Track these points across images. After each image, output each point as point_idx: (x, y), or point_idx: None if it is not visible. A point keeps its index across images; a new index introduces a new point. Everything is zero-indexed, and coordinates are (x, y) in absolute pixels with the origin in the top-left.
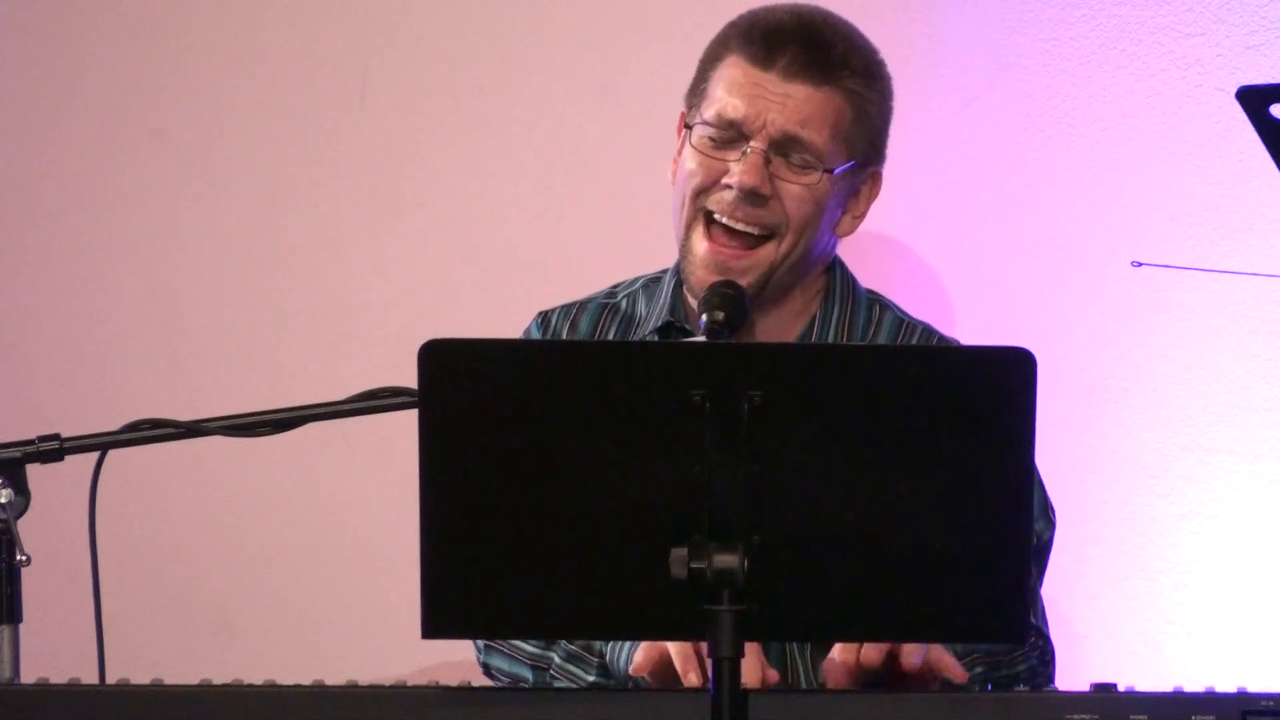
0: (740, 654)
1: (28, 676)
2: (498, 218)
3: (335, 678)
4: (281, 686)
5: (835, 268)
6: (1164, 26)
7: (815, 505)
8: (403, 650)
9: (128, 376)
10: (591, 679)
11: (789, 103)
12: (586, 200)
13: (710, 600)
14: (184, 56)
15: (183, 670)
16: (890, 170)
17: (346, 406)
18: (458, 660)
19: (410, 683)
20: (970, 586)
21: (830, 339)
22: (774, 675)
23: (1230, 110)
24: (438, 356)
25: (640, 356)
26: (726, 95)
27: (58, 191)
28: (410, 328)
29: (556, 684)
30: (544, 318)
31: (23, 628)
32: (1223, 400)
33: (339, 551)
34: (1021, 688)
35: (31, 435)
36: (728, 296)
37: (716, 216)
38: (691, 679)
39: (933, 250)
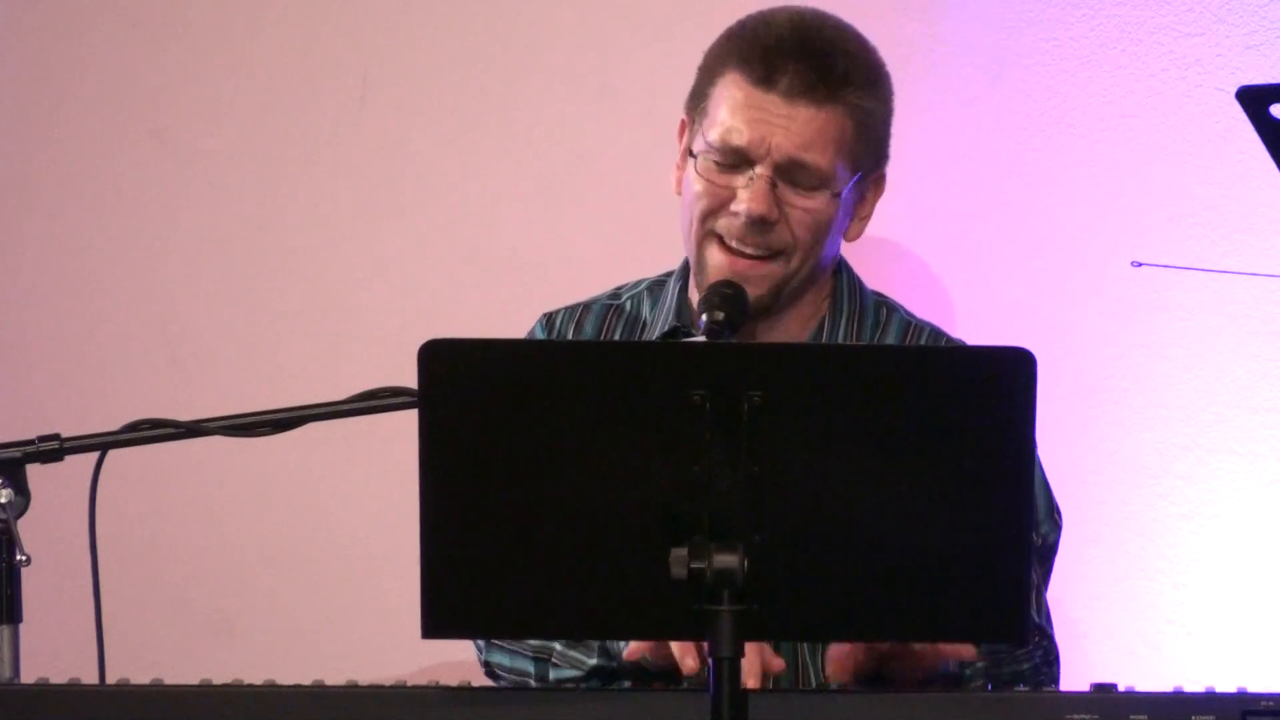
0: (740, 654)
1: (28, 676)
2: (498, 218)
3: (335, 678)
4: (281, 686)
5: (841, 270)
6: (1164, 26)
7: (815, 505)
8: (403, 650)
9: (128, 376)
10: (593, 662)
11: (792, 125)
12: (586, 200)
13: (710, 600)
14: (184, 56)
15: (183, 670)
16: (890, 170)
17: (346, 406)
18: (458, 660)
19: (410, 683)
20: (970, 586)
21: (839, 342)
22: (780, 664)
23: (1230, 110)
24: (438, 356)
25: (640, 356)
26: (729, 119)
27: (58, 191)
28: (410, 328)
29: (558, 670)
30: (548, 319)
31: (23, 628)
32: (1223, 400)
33: (339, 551)
34: (1022, 688)
35: (31, 435)
36: (728, 296)
37: (725, 240)
38: (689, 663)
39: (932, 250)
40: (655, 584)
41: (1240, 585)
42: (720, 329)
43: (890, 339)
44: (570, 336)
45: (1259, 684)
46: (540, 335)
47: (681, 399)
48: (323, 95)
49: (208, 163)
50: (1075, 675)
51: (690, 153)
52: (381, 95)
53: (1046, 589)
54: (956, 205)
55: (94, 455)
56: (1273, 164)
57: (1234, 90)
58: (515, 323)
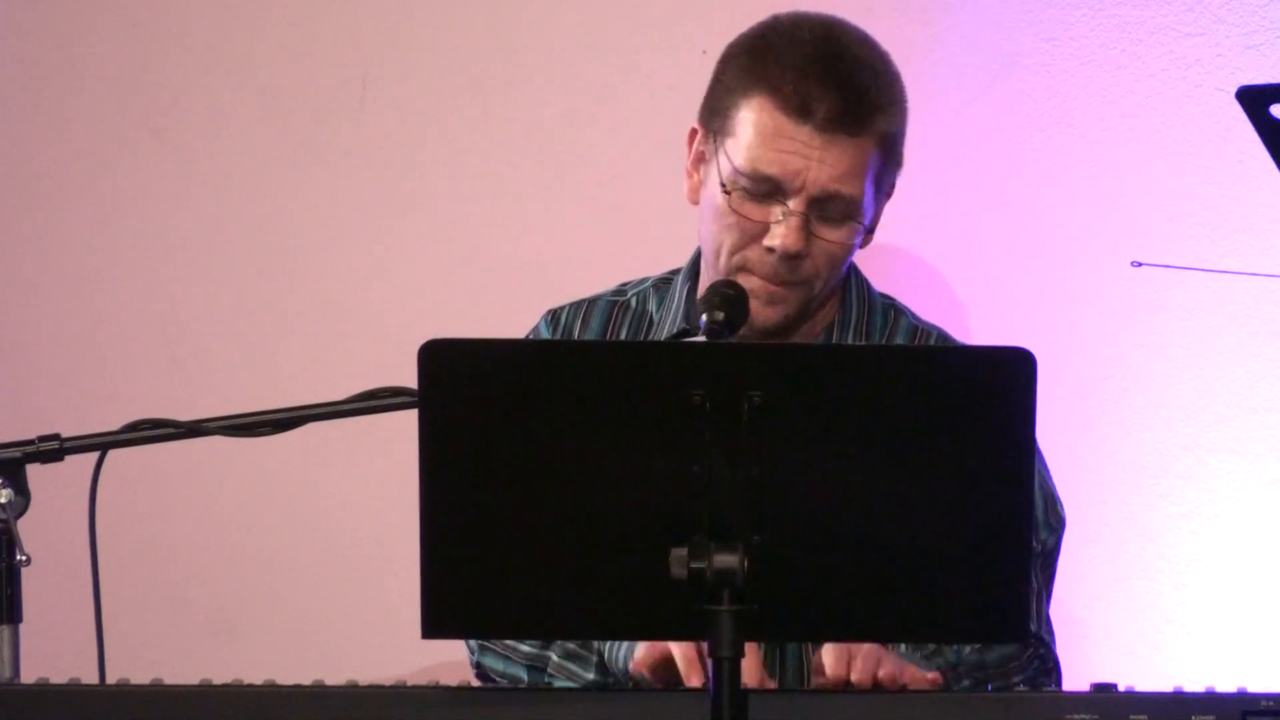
0: (740, 654)
1: (28, 676)
2: (498, 218)
3: (335, 678)
4: (281, 686)
5: (850, 273)
6: (1164, 26)
7: (815, 505)
8: (403, 650)
9: (128, 376)
10: (590, 676)
11: (827, 158)
12: (586, 200)
13: (710, 600)
14: (184, 56)
15: (183, 670)
16: None
17: (346, 406)
18: (458, 660)
19: (410, 683)
20: (970, 586)
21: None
22: (772, 686)
23: (1230, 110)
24: (438, 356)
25: (640, 356)
26: (760, 147)
27: (58, 191)
28: (410, 328)
29: (555, 682)
30: (553, 315)
31: (23, 628)
32: (1223, 400)
33: (339, 551)
34: (1021, 688)
35: (31, 435)
36: (728, 296)
37: (751, 270)
38: (694, 681)
39: (932, 250)
40: (655, 584)
41: (1240, 585)
42: (720, 329)
43: (898, 342)
44: (576, 332)
45: (1259, 684)
46: (545, 332)
47: (681, 399)
48: (323, 95)
49: (208, 163)
50: (1075, 675)
51: (722, 185)
52: (381, 96)
53: (1049, 597)
54: (956, 205)
55: (94, 455)
56: (1273, 164)
57: (1234, 90)
58: (515, 323)
